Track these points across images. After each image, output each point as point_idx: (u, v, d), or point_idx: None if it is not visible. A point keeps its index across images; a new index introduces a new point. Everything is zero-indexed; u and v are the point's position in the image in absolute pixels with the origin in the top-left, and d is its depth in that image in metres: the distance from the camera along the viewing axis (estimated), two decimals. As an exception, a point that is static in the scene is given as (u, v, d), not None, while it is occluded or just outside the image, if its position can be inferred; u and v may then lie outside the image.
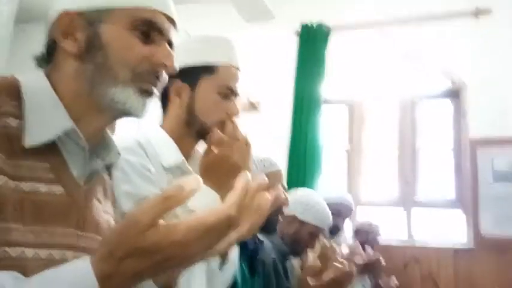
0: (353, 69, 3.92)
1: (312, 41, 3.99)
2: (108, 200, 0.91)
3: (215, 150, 1.16)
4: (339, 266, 1.82)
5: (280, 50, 4.06)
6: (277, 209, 1.78)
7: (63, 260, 0.71)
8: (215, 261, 1.24)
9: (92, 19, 0.80)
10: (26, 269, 0.66)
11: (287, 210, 1.91)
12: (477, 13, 3.61)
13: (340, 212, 2.88)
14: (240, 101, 1.28)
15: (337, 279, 1.81)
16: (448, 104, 3.90)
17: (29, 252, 0.68)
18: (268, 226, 1.76)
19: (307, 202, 2.21)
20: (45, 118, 0.75)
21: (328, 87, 3.95)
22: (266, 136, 3.71)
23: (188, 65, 1.21)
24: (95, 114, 0.82)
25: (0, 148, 0.69)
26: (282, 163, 2.01)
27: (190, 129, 1.23)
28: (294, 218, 2.15)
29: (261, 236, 1.84)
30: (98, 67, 0.79)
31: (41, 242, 0.71)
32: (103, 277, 0.58)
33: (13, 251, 0.66)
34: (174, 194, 0.58)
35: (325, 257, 1.86)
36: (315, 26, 4.03)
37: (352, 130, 4.11)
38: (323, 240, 2.09)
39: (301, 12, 4.08)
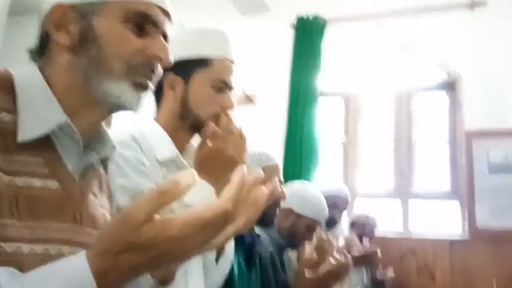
0: (349, 62, 3.92)
1: (308, 34, 3.98)
2: (103, 194, 0.91)
3: (209, 144, 1.16)
4: (335, 258, 1.82)
5: (276, 43, 4.05)
6: (275, 202, 1.78)
7: (59, 255, 0.71)
8: (211, 254, 1.24)
9: (85, 11, 0.79)
10: (22, 264, 0.65)
11: (283, 204, 1.92)
12: (472, 5, 3.61)
13: (336, 204, 2.89)
14: (235, 94, 1.28)
15: (333, 272, 1.82)
16: (443, 96, 3.90)
17: (25, 247, 0.68)
18: (265, 220, 1.76)
19: (303, 195, 2.21)
20: (39, 112, 0.74)
21: (324, 79, 3.95)
22: (262, 129, 3.71)
23: (182, 58, 1.20)
24: (89, 108, 0.81)
25: None
26: (278, 156, 2.01)
27: (184, 123, 1.22)
28: (290, 211, 2.15)
29: (258, 230, 1.84)
30: (91, 60, 0.78)
31: (37, 237, 0.70)
32: (99, 273, 0.58)
33: (9, 247, 0.66)
34: (169, 189, 0.58)
35: (322, 249, 1.86)
36: (310, 18, 4.02)
37: (348, 122, 4.11)
38: (320, 233, 2.09)
39: (296, 4, 4.07)
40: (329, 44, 3.96)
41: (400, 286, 3.40)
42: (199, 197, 0.75)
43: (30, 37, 0.84)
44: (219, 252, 1.27)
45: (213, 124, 1.18)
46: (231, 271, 1.49)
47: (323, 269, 1.79)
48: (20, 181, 0.70)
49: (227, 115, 1.20)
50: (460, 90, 3.67)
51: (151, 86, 0.84)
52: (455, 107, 3.76)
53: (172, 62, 0.86)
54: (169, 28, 0.86)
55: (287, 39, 4.04)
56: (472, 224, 3.40)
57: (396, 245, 3.58)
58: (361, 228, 3.32)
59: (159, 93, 1.24)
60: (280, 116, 3.92)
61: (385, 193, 3.90)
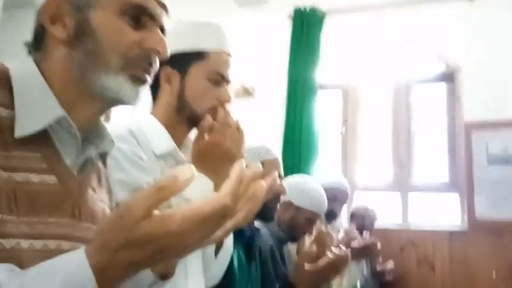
0: (347, 54, 3.91)
1: (306, 25, 3.97)
2: (102, 188, 0.90)
3: (207, 137, 1.15)
4: (335, 251, 1.83)
5: (274, 35, 4.04)
6: (275, 197, 1.78)
7: (59, 251, 0.71)
8: (210, 248, 1.24)
9: (80, 4, 0.78)
10: (21, 260, 0.65)
11: (283, 197, 1.92)
12: (472, -4, 3.60)
13: (336, 197, 2.88)
14: (233, 87, 1.27)
15: (333, 264, 1.82)
16: (442, 88, 3.90)
17: (24, 243, 0.68)
18: (265, 214, 1.77)
19: (302, 188, 2.21)
20: (36, 107, 0.74)
21: (322, 71, 3.94)
22: (260, 122, 3.71)
23: (178, 51, 1.19)
24: (86, 102, 0.80)
25: None
26: (277, 149, 2.01)
27: (181, 117, 1.22)
28: (289, 204, 2.15)
29: (257, 224, 1.84)
30: (88, 54, 0.78)
31: (36, 233, 0.70)
32: (98, 269, 0.58)
33: (8, 243, 0.66)
34: (168, 184, 0.57)
35: (322, 242, 1.87)
36: (308, 10, 4.00)
37: (347, 114, 4.11)
38: (319, 226, 2.10)
39: (294, -5, 4.05)
40: (327, 35, 3.94)
41: (400, 278, 3.41)
42: (198, 192, 0.75)
43: (26, 31, 0.83)
44: (218, 246, 1.27)
45: (210, 117, 1.17)
46: (231, 264, 1.50)
47: (322, 261, 1.80)
48: (18, 177, 0.70)
49: (224, 108, 1.20)
50: (459, 82, 3.67)
51: (149, 79, 0.84)
52: (454, 98, 3.76)
53: (169, 55, 0.85)
54: (166, 21, 0.85)
55: (285, 31, 4.02)
56: (471, 215, 3.41)
57: (396, 237, 3.59)
58: (361, 220, 3.32)
59: (155, 87, 1.23)
60: (279, 108, 3.91)
61: (384, 185, 3.91)
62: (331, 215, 2.85)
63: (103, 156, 0.91)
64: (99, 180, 0.89)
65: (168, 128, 1.20)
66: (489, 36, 3.52)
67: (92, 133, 0.85)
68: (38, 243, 0.70)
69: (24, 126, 0.72)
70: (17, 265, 0.62)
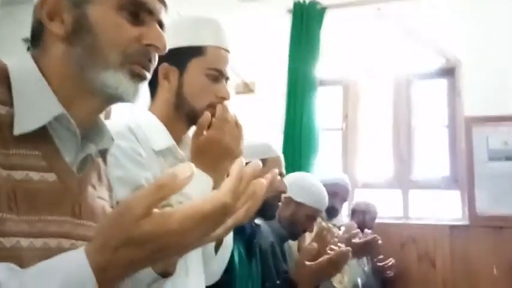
0: (347, 48, 3.90)
1: (306, 19, 3.96)
2: (102, 185, 0.90)
3: (205, 133, 1.15)
4: (336, 247, 1.83)
5: (274, 30, 4.03)
6: (276, 196, 1.78)
7: (59, 249, 0.71)
8: (210, 244, 1.24)
9: (78, 0, 0.77)
10: (21, 259, 0.65)
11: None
12: (472, -11, 3.59)
13: (336, 193, 2.89)
14: (233, 83, 1.26)
15: (333, 261, 1.82)
16: (442, 82, 3.89)
17: (24, 242, 0.67)
18: (267, 213, 1.77)
19: (303, 184, 2.21)
20: (35, 104, 0.73)
21: (322, 66, 3.93)
22: (261, 118, 3.71)
23: (176, 47, 1.18)
24: (85, 99, 0.80)
25: None
26: (277, 145, 2.00)
27: (180, 114, 1.21)
28: (290, 200, 2.14)
29: (258, 221, 1.84)
30: (86, 50, 0.77)
31: (36, 231, 0.70)
32: (98, 268, 0.57)
33: (8, 242, 0.65)
34: (167, 182, 0.57)
35: (322, 239, 1.87)
36: (308, 3, 3.99)
37: (347, 109, 4.10)
38: (320, 222, 2.10)
39: (293, -10, 4.04)
40: (327, 30, 3.93)
41: (401, 274, 3.42)
42: (198, 190, 0.75)
43: (25, 27, 0.83)
44: (218, 243, 1.28)
45: (209, 114, 1.16)
46: (232, 261, 1.50)
47: (323, 258, 1.80)
48: (17, 175, 0.69)
49: (223, 104, 1.19)
50: (459, 76, 3.67)
51: (148, 76, 0.83)
52: (454, 93, 3.75)
53: (170, 47, 0.84)
54: (164, 16, 0.85)
55: (285, 25, 4.01)
56: (472, 210, 3.41)
57: (397, 233, 3.59)
58: (362, 216, 3.32)
59: (153, 84, 1.22)
60: (279, 104, 3.90)
61: (385, 182, 3.90)
62: (331, 212, 2.85)
63: (103, 154, 0.91)
64: (99, 178, 0.89)
65: (166, 125, 1.20)
66: (490, 30, 3.51)
67: (91, 130, 0.84)
68: (38, 242, 0.69)
69: (23, 124, 0.71)
70: (17, 264, 0.62)
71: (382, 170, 3.94)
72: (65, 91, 0.77)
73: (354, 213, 3.41)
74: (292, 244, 2.33)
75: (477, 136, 3.48)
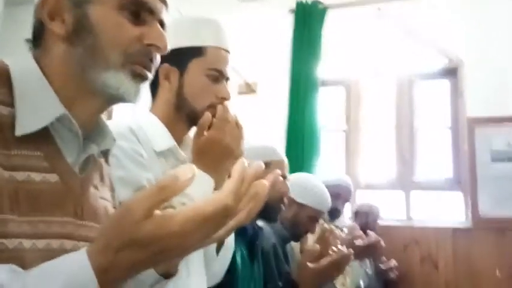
0: (349, 48, 3.89)
1: (308, 19, 3.96)
2: (105, 186, 0.90)
3: (206, 133, 1.15)
4: (338, 249, 1.82)
5: (276, 30, 4.03)
6: (279, 199, 1.78)
7: (61, 250, 0.71)
8: (212, 245, 1.25)
9: (79, 0, 0.77)
10: (24, 260, 0.65)
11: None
12: (474, -11, 3.58)
13: (339, 194, 2.88)
14: (236, 83, 1.27)
15: (336, 263, 1.82)
16: (445, 82, 3.88)
17: (27, 243, 0.67)
18: (269, 215, 1.77)
19: (305, 185, 2.20)
20: (36, 105, 0.73)
21: (324, 66, 3.92)
22: (263, 118, 3.71)
23: (176, 47, 1.18)
24: (87, 99, 0.80)
25: None
26: (279, 145, 2.00)
27: (180, 114, 1.21)
28: (292, 201, 2.14)
29: (260, 223, 1.84)
30: (87, 50, 0.77)
31: (38, 232, 0.69)
32: (100, 270, 0.57)
33: (10, 243, 0.65)
34: (169, 184, 0.57)
35: (325, 240, 1.86)
36: (309, 3, 3.99)
37: (350, 110, 4.10)
38: (323, 224, 2.09)
39: (295, -11, 4.04)
40: (329, 30, 3.93)
41: (404, 275, 3.41)
42: (200, 190, 0.74)
43: (27, 28, 0.82)
44: (220, 243, 1.28)
45: (209, 114, 1.16)
46: (234, 262, 1.50)
47: (325, 260, 1.79)
48: (19, 176, 0.69)
49: (223, 105, 1.19)
50: (462, 77, 3.65)
51: (150, 76, 0.83)
52: (456, 93, 3.74)
53: (170, 48, 0.84)
54: (165, 15, 0.84)
55: (287, 25, 4.01)
56: (475, 212, 3.40)
57: (399, 235, 3.58)
58: (365, 217, 3.32)
59: (154, 84, 1.23)
60: (282, 105, 3.90)
61: (387, 183, 3.89)
62: (334, 213, 2.84)
63: (105, 154, 0.91)
64: (102, 178, 0.89)
65: (167, 126, 1.20)
66: (492, 30, 3.50)
67: (93, 131, 0.84)
68: (41, 243, 0.69)
69: (25, 125, 0.71)
70: (20, 265, 0.62)
71: (385, 171, 3.94)
72: (66, 91, 0.77)
73: (356, 214, 3.41)
74: (295, 245, 2.32)
75: (480, 137, 3.47)
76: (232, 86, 1.27)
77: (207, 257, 1.26)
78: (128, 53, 0.78)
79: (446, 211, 3.68)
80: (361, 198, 3.76)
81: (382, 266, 3.21)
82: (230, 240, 1.31)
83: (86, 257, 0.58)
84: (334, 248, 1.84)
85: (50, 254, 0.63)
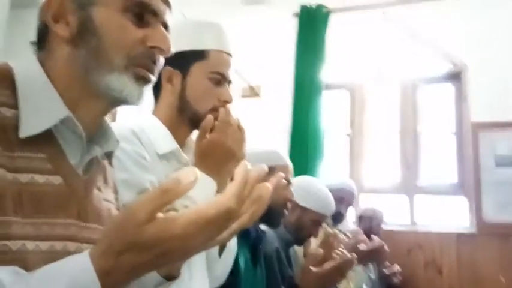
0: (353, 52, 3.89)
1: (312, 23, 3.96)
2: (108, 188, 0.90)
3: (208, 136, 1.15)
4: (341, 253, 1.82)
5: (280, 33, 4.03)
6: (283, 203, 1.78)
7: (65, 252, 0.71)
8: (214, 248, 1.24)
9: (83, 2, 0.77)
10: (27, 262, 0.65)
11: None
12: (478, -7, 3.57)
13: (342, 198, 2.87)
14: (239, 87, 1.27)
15: (339, 267, 1.81)
16: (449, 87, 3.87)
17: (30, 245, 0.67)
18: (273, 220, 1.76)
19: (308, 188, 2.20)
20: (40, 107, 0.73)
21: (328, 70, 3.92)
22: (267, 122, 3.70)
23: (179, 51, 1.18)
24: (90, 102, 0.80)
25: None
26: (283, 149, 2.00)
27: (183, 117, 1.22)
28: (295, 205, 2.13)
29: (263, 227, 1.83)
30: (91, 52, 0.77)
31: (42, 234, 0.69)
32: (102, 272, 0.57)
33: (13, 245, 0.65)
34: (171, 187, 0.57)
35: (328, 244, 1.86)
36: (314, 7, 3.99)
37: (354, 113, 4.09)
38: (326, 228, 2.09)
39: (299, -7, 4.04)
40: (333, 34, 3.93)
41: (407, 280, 3.39)
42: (203, 194, 0.74)
43: (32, 30, 0.83)
44: (222, 246, 1.28)
45: (212, 117, 1.17)
46: (237, 264, 1.49)
47: (329, 264, 1.79)
48: (23, 178, 0.69)
49: (225, 108, 1.20)
50: (466, 81, 3.64)
51: (153, 78, 0.83)
52: (461, 98, 3.73)
53: (173, 51, 0.84)
54: (169, 17, 0.84)
55: (291, 29, 4.01)
56: (479, 218, 3.38)
57: (403, 239, 3.57)
58: (369, 222, 3.30)
59: (156, 87, 1.23)
60: (285, 108, 3.90)
61: (391, 188, 3.88)
62: (337, 217, 2.83)
63: (109, 156, 0.91)
64: (105, 180, 0.89)
65: (170, 129, 1.21)
66: (496, 35, 3.49)
67: (96, 133, 0.84)
68: (44, 245, 0.69)
69: (29, 127, 0.71)
70: (23, 267, 0.62)
71: (389, 175, 3.93)
72: (70, 94, 0.77)
73: (360, 219, 3.40)
74: (298, 249, 2.32)
75: (484, 142, 3.45)
76: (235, 89, 1.27)
77: (210, 259, 1.26)
78: (132, 56, 0.78)
79: (450, 216, 3.66)
80: (364, 203, 3.75)
81: (386, 271, 3.20)
82: (232, 243, 1.31)
83: (88, 259, 0.58)
84: (337, 252, 1.83)
85: (53, 256, 0.63)
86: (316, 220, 2.16)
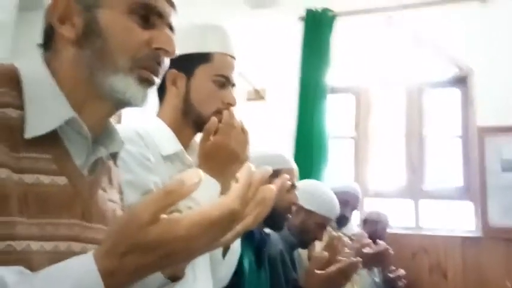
0: (359, 56, 3.88)
1: (317, 27, 3.96)
2: (113, 188, 0.90)
3: (212, 138, 1.16)
4: (346, 256, 1.82)
5: (286, 36, 4.03)
6: (287, 207, 1.78)
7: (69, 252, 0.71)
8: (218, 249, 1.25)
9: (89, 3, 0.78)
10: (31, 262, 0.65)
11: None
12: (484, -3, 3.56)
13: (347, 201, 2.87)
14: (245, 90, 1.28)
15: (343, 270, 1.81)
16: (455, 91, 3.86)
17: (34, 245, 0.67)
18: (277, 223, 1.77)
19: (313, 191, 2.19)
20: (46, 108, 0.73)
21: (334, 74, 3.92)
22: (272, 125, 3.70)
23: (183, 53, 1.19)
24: (96, 103, 0.80)
25: (2, 140, 0.68)
26: (288, 152, 2.00)
27: (187, 120, 1.23)
28: (300, 208, 2.13)
29: (267, 230, 1.83)
30: (96, 53, 0.77)
31: (46, 235, 0.70)
32: (106, 273, 0.58)
33: (18, 245, 0.65)
34: (175, 188, 0.57)
35: (333, 247, 1.86)
36: (319, 11, 3.99)
37: (359, 117, 4.08)
38: (330, 231, 2.08)
39: (305, -3, 4.04)
40: (339, 37, 3.93)
41: (412, 284, 3.37)
42: (207, 195, 0.75)
43: (40, 33, 0.83)
44: (226, 247, 1.28)
45: (216, 119, 1.18)
46: (242, 268, 1.50)
47: (333, 267, 1.79)
48: (28, 178, 0.69)
49: (229, 110, 1.20)
50: (472, 85, 3.63)
51: (157, 80, 0.83)
52: (467, 102, 3.71)
53: (177, 54, 0.85)
54: (174, 19, 0.85)
55: (296, 33, 4.02)
56: (485, 222, 3.37)
57: (408, 243, 3.55)
58: (374, 225, 3.29)
59: (161, 89, 1.24)
60: (290, 111, 3.90)
61: (396, 191, 3.87)
62: (342, 220, 2.83)
63: (114, 157, 0.91)
64: (110, 181, 0.89)
65: (174, 131, 1.22)
66: (503, 39, 3.48)
67: (101, 134, 0.85)
68: (49, 245, 0.69)
69: (34, 127, 0.71)
70: (27, 267, 0.62)
71: (394, 179, 3.91)
72: (76, 95, 0.78)
73: (365, 223, 3.38)
74: (302, 252, 2.31)
75: (490, 146, 3.43)
76: (241, 92, 1.28)
77: (213, 261, 1.26)
78: (137, 58, 0.79)
79: (456, 220, 3.64)
80: (369, 206, 3.74)
81: (391, 275, 3.19)
82: (236, 245, 1.31)
83: (92, 260, 0.58)
84: (342, 254, 1.83)
85: (58, 256, 0.64)
86: (321, 223, 2.15)
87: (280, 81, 3.98)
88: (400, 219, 3.71)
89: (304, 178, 2.47)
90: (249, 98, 3.84)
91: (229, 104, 1.22)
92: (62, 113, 0.74)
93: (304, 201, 2.14)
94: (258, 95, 3.95)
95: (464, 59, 3.65)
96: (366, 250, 2.64)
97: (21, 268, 0.61)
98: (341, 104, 4.16)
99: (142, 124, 1.20)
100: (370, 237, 2.98)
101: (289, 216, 1.84)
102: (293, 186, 1.84)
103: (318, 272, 1.80)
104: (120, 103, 0.81)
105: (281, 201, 1.73)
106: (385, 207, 3.59)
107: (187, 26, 1.27)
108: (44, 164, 0.72)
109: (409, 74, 3.91)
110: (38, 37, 0.83)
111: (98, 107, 0.80)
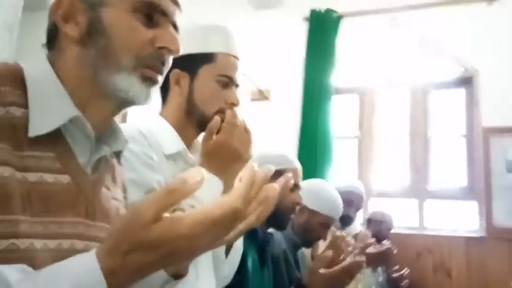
0: (364, 57, 3.88)
1: (322, 27, 3.96)
2: (117, 187, 0.90)
3: (215, 137, 1.16)
4: (350, 256, 1.82)
5: (290, 37, 4.03)
6: (291, 207, 1.78)
7: (72, 250, 0.71)
8: (221, 248, 1.25)
9: (93, 2, 0.78)
10: (35, 260, 0.65)
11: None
12: (490, -2, 3.55)
13: (351, 201, 2.86)
14: (249, 90, 1.28)
15: (347, 269, 1.81)
16: (460, 92, 3.84)
17: (38, 243, 0.67)
18: (280, 223, 1.76)
19: (317, 191, 2.19)
20: (50, 106, 0.74)
21: (338, 74, 3.91)
22: (276, 125, 3.71)
23: (187, 53, 1.19)
24: (99, 102, 0.80)
25: (6, 139, 0.68)
26: (292, 152, 2.00)
27: (190, 119, 1.23)
28: (304, 207, 2.13)
29: (271, 230, 1.84)
30: (100, 52, 0.77)
31: (50, 233, 0.70)
32: (108, 272, 0.58)
33: (21, 243, 0.66)
34: (177, 187, 0.57)
35: (337, 247, 1.86)
36: (324, 11, 3.99)
37: (363, 117, 4.08)
38: (334, 231, 2.08)
39: (309, -3, 4.04)
40: (343, 38, 3.92)
41: (416, 284, 3.37)
42: (209, 194, 0.75)
43: (44, 32, 0.83)
44: (229, 246, 1.28)
45: (218, 118, 1.18)
46: (245, 267, 1.50)
47: (337, 267, 1.79)
48: (32, 177, 0.70)
49: (232, 110, 1.21)
50: (477, 86, 3.62)
51: (161, 79, 0.83)
52: (472, 102, 3.70)
53: (181, 52, 0.85)
54: (179, 17, 0.85)
55: (301, 33, 4.02)
56: (489, 222, 3.36)
57: (412, 243, 3.55)
58: (378, 225, 3.29)
59: (164, 88, 1.24)
60: (295, 111, 3.90)
61: (400, 191, 3.86)
62: (346, 220, 2.82)
63: (117, 155, 0.91)
64: (114, 179, 0.89)
65: (177, 130, 1.22)
66: (508, 39, 3.47)
67: (105, 133, 0.85)
68: (52, 243, 0.70)
69: (38, 126, 0.72)
70: (31, 265, 0.62)
71: (398, 179, 3.91)
72: (80, 94, 0.78)
73: (369, 222, 3.38)
74: (306, 252, 2.31)
75: (495, 147, 3.42)
76: (245, 92, 1.28)
77: (216, 259, 1.26)
78: (141, 57, 0.79)
79: (460, 220, 3.64)
80: (374, 206, 3.73)
81: (394, 274, 3.18)
82: (239, 243, 1.31)
83: (95, 258, 0.58)
84: (348, 253, 1.83)
85: (61, 254, 0.64)
86: (325, 223, 2.15)
87: (284, 82, 3.98)
88: (404, 219, 3.71)
89: (309, 178, 2.47)
90: (254, 99, 3.84)
91: (233, 104, 1.22)
92: (65, 112, 0.75)
93: (308, 201, 2.13)
94: (262, 96, 3.95)
95: (470, 60, 3.64)
96: (370, 250, 2.64)
97: (24, 266, 0.62)
98: (345, 104, 4.15)
99: (146, 123, 1.20)
100: (374, 237, 2.97)
101: (293, 216, 1.84)
102: (297, 186, 1.84)
103: (322, 271, 1.79)
104: (124, 102, 0.81)
105: (285, 200, 1.73)
106: (389, 207, 3.59)
107: (191, 27, 1.27)
108: (48, 162, 0.72)
109: (414, 75, 3.90)
110: (43, 37, 0.83)
111: (101, 105, 0.81)
